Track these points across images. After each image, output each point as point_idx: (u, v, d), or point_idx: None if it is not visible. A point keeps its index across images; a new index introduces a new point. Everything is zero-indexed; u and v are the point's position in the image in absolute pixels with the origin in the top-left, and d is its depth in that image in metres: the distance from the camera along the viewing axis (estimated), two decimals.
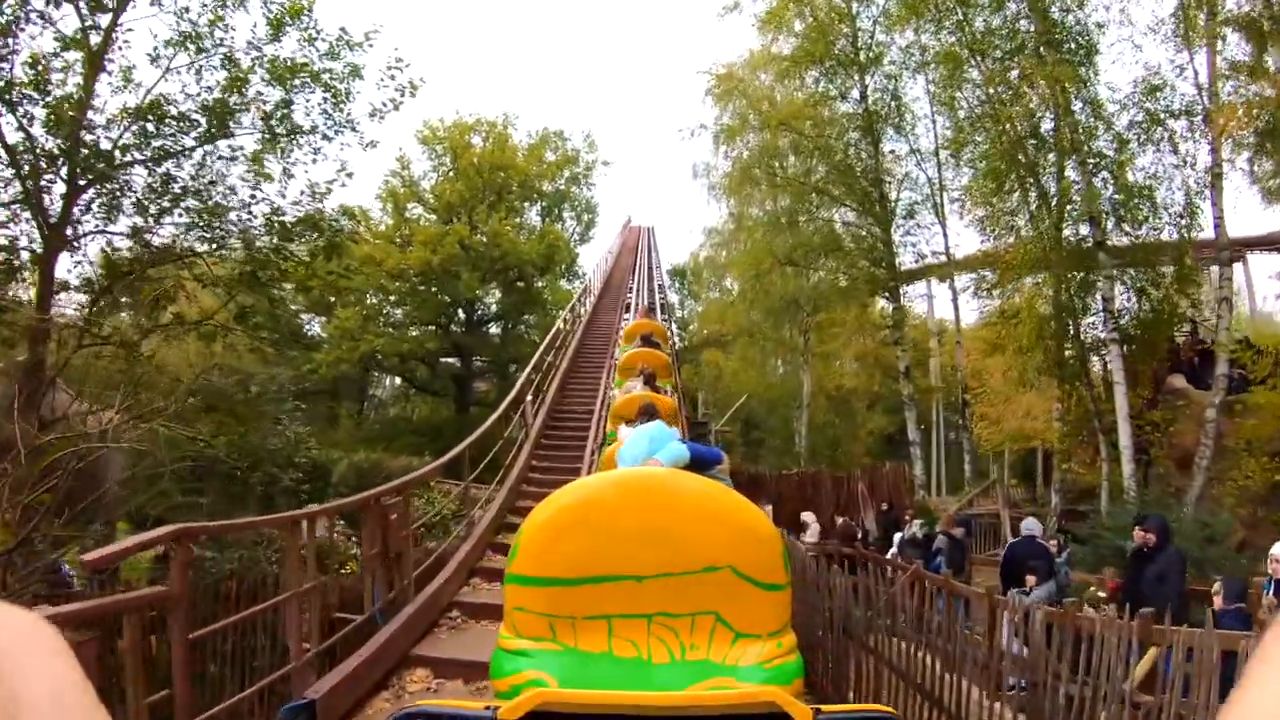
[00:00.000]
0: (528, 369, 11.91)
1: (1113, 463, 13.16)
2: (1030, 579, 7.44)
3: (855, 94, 18.34)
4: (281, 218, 10.85)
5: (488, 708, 1.13)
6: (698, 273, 35.03)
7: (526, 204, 33.12)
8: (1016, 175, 13.80)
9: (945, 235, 18.51)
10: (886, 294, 18.73)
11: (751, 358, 24.56)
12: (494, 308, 31.34)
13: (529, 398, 10.69)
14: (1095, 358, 14.24)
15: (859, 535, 13.78)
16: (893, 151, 18.88)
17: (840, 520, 13.67)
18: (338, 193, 14.58)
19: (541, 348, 13.11)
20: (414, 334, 28.76)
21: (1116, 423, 12.86)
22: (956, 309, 18.36)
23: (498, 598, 2.87)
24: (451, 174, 29.72)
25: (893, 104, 18.53)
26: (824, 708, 1.17)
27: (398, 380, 32.88)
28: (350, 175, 11.37)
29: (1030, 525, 8.83)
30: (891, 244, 18.31)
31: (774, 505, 13.57)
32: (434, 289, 27.46)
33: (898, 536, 11.82)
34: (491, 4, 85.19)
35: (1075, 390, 13.74)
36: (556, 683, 1.43)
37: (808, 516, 12.99)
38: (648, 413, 5.31)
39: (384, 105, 11.31)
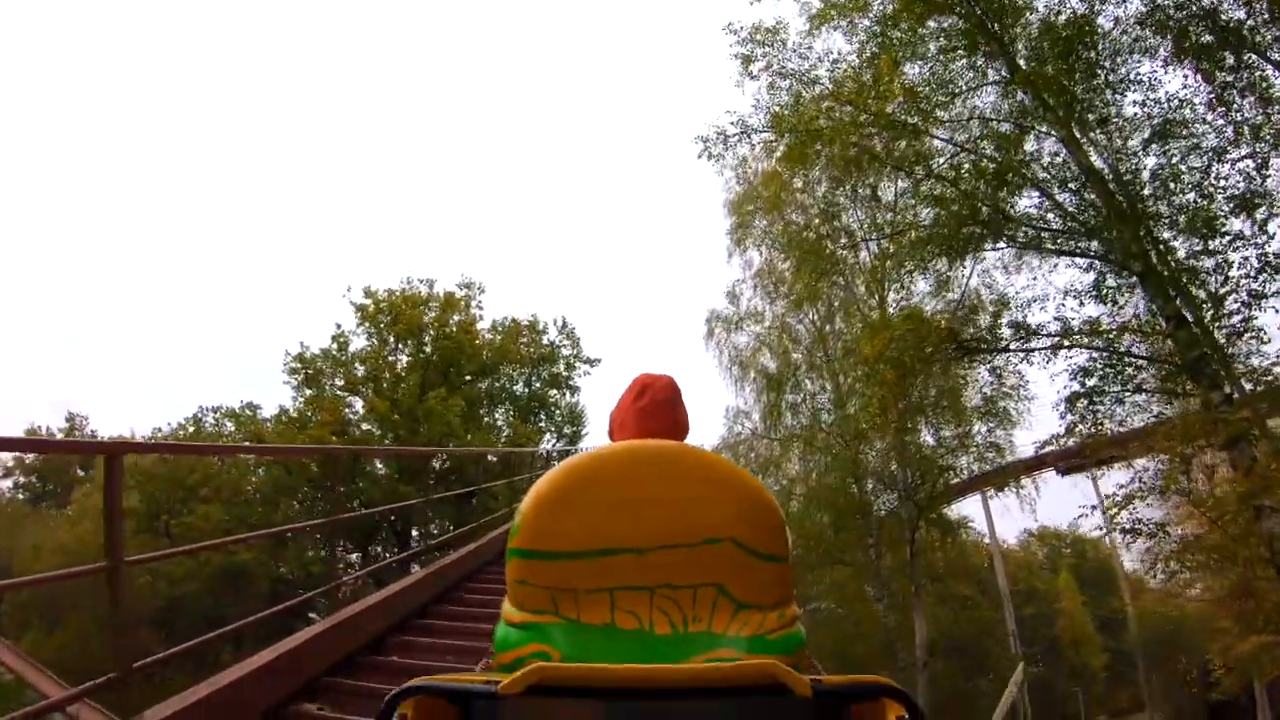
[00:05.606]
0: None
1: None
2: None
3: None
4: None
5: (489, 682, 1.14)
6: None
7: (490, 404, 27.09)
8: None
9: None
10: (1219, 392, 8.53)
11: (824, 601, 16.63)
12: (434, 530, 23.46)
13: None
14: None
15: None
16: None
17: None
18: None
19: None
20: (310, 553, 20.62)
21: None
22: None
23: None
24: (390, 350, 23.84)
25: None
26: (823, 679, 1.15)
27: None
28: None
29: None
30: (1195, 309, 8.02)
31: None
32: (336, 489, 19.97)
33: None
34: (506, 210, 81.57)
35: None
36: (560, 655, 1.36)
37: None
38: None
39: None
